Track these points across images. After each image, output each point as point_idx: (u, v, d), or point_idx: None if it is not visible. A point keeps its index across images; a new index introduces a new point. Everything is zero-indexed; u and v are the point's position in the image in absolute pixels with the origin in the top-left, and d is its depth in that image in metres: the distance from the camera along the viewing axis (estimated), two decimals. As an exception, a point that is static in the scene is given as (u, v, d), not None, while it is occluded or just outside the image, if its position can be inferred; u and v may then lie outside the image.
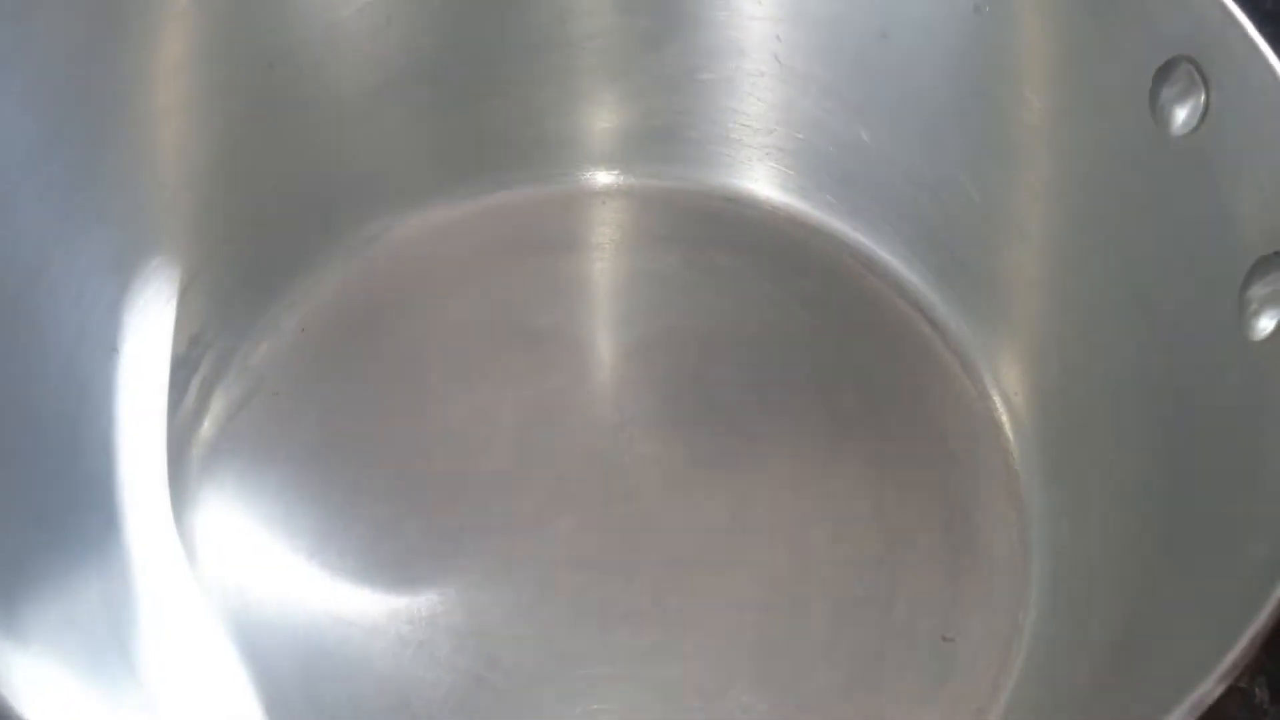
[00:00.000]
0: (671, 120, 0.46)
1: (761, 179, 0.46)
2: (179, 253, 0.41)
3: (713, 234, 0.45)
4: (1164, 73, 0.35)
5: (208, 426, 0.41)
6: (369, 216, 0.45)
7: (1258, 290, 0.32)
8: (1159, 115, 0.35)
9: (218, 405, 0.41)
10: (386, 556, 0.39)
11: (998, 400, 0.42)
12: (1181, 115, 0.35)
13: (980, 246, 0.42)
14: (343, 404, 0.42)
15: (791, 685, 0.37)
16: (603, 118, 0.46)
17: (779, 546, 0.39)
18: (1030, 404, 0.41)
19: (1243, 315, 0.32)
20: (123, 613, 0.36)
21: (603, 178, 0.47)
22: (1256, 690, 0.36)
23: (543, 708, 0.36)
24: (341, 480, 0.40)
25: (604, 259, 0.45)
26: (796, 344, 0.43)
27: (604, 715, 0.36)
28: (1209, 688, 0.26)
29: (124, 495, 0.38)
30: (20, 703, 0.27)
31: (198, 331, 0.41)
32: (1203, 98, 0.34)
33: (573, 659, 0.37)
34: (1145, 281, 0.36)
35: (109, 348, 0.38)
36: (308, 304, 0.43)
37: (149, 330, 0.40)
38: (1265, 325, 0.32)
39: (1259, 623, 0.26)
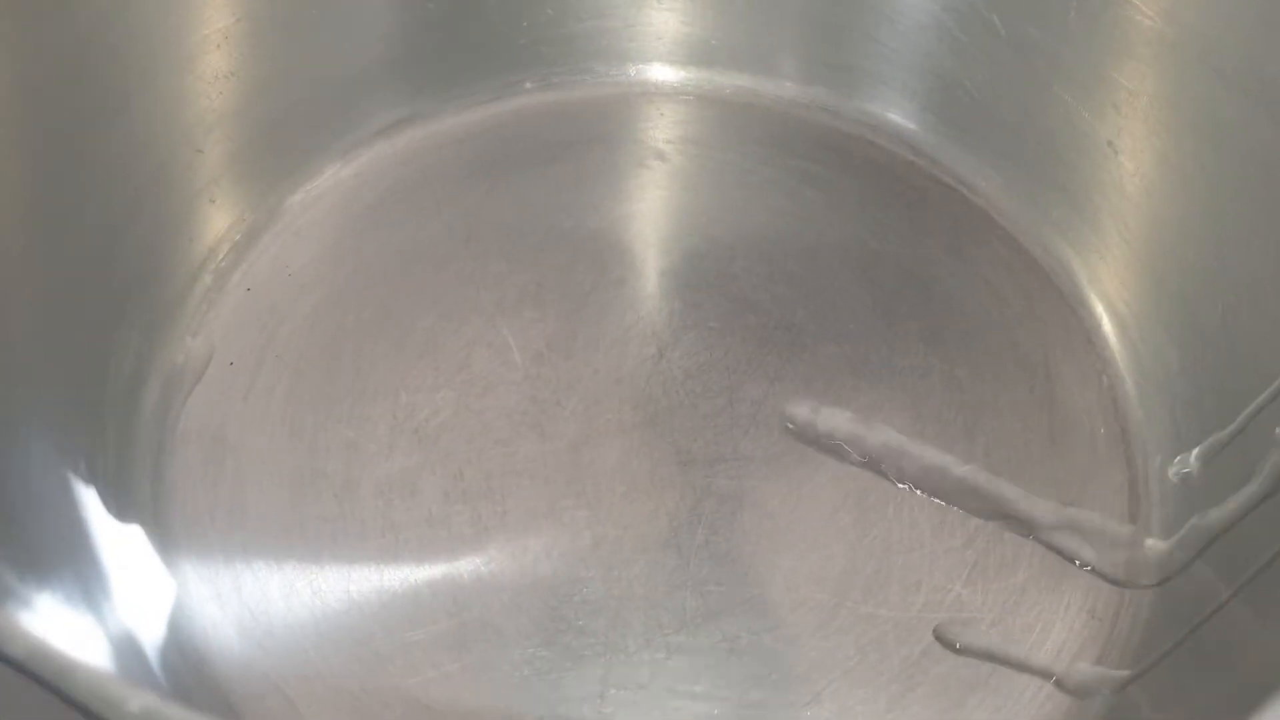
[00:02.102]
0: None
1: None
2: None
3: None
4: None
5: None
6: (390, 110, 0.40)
7: None
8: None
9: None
10: (407, 523, 0.33)
11: (1055, 240, 0.38)
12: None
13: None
14: (329, 330, 0.36)
15: (911, 585, 0.32)
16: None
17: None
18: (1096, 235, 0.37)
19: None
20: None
21: (655, 76, 0.42)
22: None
23: (630, 652, 0.31)
24: (333, 440, 0.34)
25: (646, 162, 0.40)
26: (829, 232, 0.39)
27: (701, 649, 0.31)
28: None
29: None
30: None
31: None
32: None
33: (652, 595, 0.32)
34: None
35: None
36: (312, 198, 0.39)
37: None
38: None
39: None
